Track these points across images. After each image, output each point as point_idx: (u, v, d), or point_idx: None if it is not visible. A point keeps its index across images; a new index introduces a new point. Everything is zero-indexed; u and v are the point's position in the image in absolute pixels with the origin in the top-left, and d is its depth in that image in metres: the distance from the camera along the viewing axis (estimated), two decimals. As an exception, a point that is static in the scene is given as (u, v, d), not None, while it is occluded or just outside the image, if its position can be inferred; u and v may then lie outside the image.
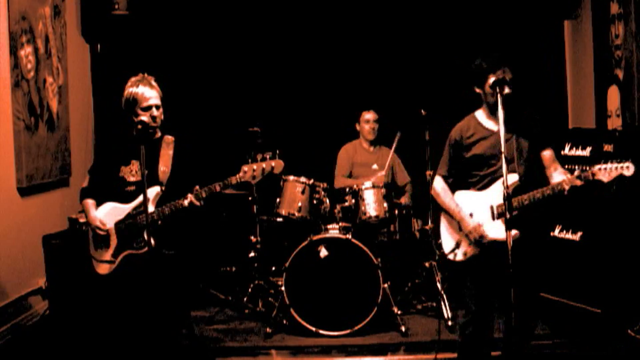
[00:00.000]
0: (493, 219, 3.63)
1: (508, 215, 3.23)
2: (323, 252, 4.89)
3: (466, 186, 3.79)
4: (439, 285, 5.16)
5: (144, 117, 3.65)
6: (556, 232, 4.90)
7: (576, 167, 4.74)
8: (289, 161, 3.76)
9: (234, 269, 5.99)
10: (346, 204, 5.25)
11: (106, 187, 3.83)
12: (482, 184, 3.69)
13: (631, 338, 4.32)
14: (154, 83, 3.77)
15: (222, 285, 5.78)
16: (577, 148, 4.88)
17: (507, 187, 3.27)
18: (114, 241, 3.78)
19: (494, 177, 3.61)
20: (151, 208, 3.69)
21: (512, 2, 6.28)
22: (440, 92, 6.16)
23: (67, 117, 5.73)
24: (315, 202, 5.21)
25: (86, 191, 3.90)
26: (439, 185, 3.83)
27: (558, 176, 3.58)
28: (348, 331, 4.78)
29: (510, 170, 3.57)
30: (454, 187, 3.84)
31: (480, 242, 3.64)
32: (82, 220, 4.78)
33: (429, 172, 5.29)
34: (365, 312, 4.77)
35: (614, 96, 5.39)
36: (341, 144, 5.95)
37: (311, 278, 4.86)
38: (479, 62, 3.63)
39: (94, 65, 6.35)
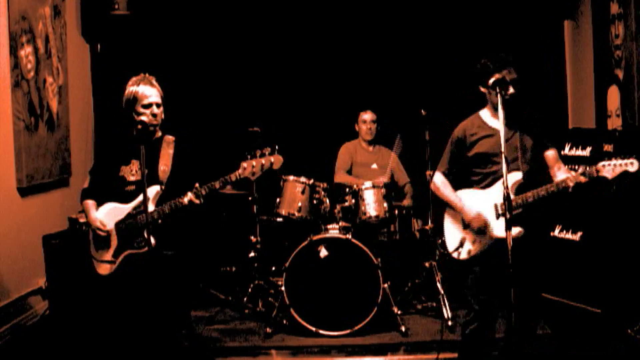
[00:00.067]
0: (497, 217, 3.63)
1: (508, 215, 3.25)
2: (323, 252, 4.89)
3: (470, 185, 3.81)
4: (439, 285, 5.16)
5: (144, 117, 3.65)
6: (556, 232, 4.90)
7: (576, 167, 4.75)
8: (289, 161, 3.76)
9: (234, 269, 5.99)
10: (346, 204, 5.25)
11: (107, 187, 3.83)
12: (486, 183, 3.71)
13: (631, 338, 4.32)
14: (154, 82, 3.79)
15: (222, 285, 5.78)
16: (577, 148, 4.88)
17: (507, 187, 3.29)
18: (114, 241, 3.78)
19: (498, 175, 3.61)
20: (151, 207, 3.69)
21: (512, 2, 6.28)
22: (440, 92, 6.17)
23: (67, 117, 5.73)
24: (315, 202, 5.21)
25: (87, 192, 3.90)
26: (438, 179, 3.87)
27: (562, 174, 3.59)
28: (348, 331, 4.78)
29: (514, 169, 3.61)
30: (457, 186, 3.86)
31: (484, 241, 3.65)
32: (82, 220, 4.77)
33: (429, 172, 5.28)
34: (365, 312, 4.77)
35: (614, 96, 5.39)
36: (341, 143, 5.95)
37: (311, 278, 4.86)
38: (484, 62, 3.64)
39: (94, 65, 6.35)
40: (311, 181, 5.22)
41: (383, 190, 5.17)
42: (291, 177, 5.20)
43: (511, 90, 3.57)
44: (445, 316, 4.94)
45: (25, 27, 5.02)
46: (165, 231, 3.73)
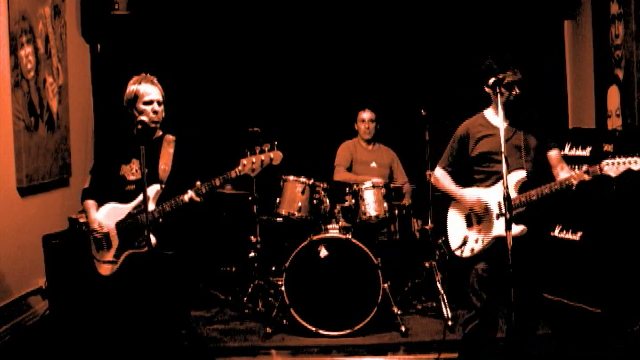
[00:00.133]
0: (497, 217, 3.65)
1: (508, 215, 3.25)
2: (323, 252, 4.89)
3: (473, 183, 3.83)
4: (439, 285, 5.16)
5: (145, 117, 3.65)
6: (556, 232, 4.90)
7: (577, 167, 4.74)
8: (289, 161, 3.76)
9: (234, 269, 5.99)
10: (346, 204, 5.25)
11: (107, 187, 3.84)
12: (490, 181, 3.73)
13: (635, 335, 4.31)
14: (156, 81, 3.81)
15: (222, 285, 5.77)
16: (577, 148, 4.88)
17: (507, 187, 3.30)
18: (115, 241, 3.78)
19: (500, 174, 3.61)
20: (152, 206, 3.69)
21: (512, 3, 6.28)
22: (440, 92, 6.17)
23: (67, 117, 5.73)
24: (315, 202, 5.21)
25: (87, 192, 3.90)
26: (438, 172, 3.94)
27: (566, 173, 3.61)
28: (348, 331, 4.78)
29: (517, 167, 3.63)
30: (461, 185, 3.89)
31: (487, 239, 3.68)
32: (82, 220, 4.77)
33: (429, 172, 5.29)
34: (365, 312, 4.77)
35: (614, 96, 5.39)
36: (340, 143, 5.95)
37: (311, 278, 4.86)
38: (489, 62, 3.65)
39: (94, 65, 6.35)
40: (311, 181, 5.22)
41: (383, 190, 5.17)
42: (291, 177, 5.20)
43: (516, 91, 3.61)
44: (445, 316, 4.94)
45: (25, 27, 5.02)
46: (166, 231, 3.73)
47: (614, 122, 5.38)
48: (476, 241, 3.73)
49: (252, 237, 5.51)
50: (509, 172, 3.57)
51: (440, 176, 3.93)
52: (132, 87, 3.75)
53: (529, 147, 3.69)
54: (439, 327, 4.90)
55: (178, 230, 3.82)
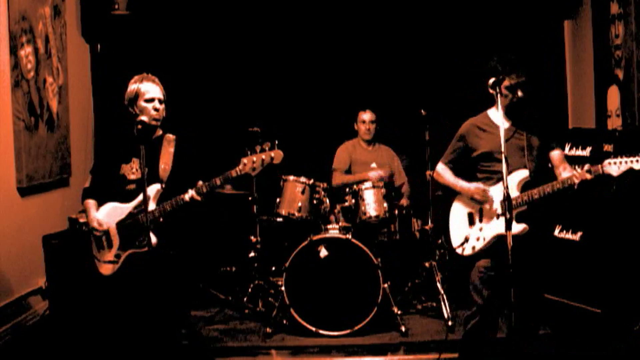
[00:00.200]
0: (497, 217, 3.66)
1: (508, 215, 3.27)
2: (323, 252, 4.89)
3: (476, 182, 3.85)
4: (439, 285, 5.16)
5: (145, 117, 3.65)
6: (556, 232, 4.90)
7: (576, 167, 4.74)
8: (289, 161, 3.75)
9: (234, 269, 5.99)
10: (346, 204, 5.26)
11: (107, 186, 3.84)
12: (492, 181, 3.76)
13: (635, 335, 4.31)
14: (157, 81, 3.82)
15: (222, 285, 5.77)
16: (577, 148, 4.88)
17: (507, 187, 3.31)
18: (116, 241, 3.78)
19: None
20: (152, 205, 3.70)
21: (512, 3, 6.28)
22: (440, 92, 6.17)
23: (67, 117, 5.73)
24: (315, 202, 5.21)
25: (88, 191, 3.90)
26: (439, 167, 4.00)
27: (568, 173, 3.62)
28: (348, 331, 4.78)
29: (520, 166, 3.63)
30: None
31: (488, 237, 3.69)
32: (82, 220, 4.77)
33: (429, 172, 5.29)
34: (365, 312, 4.77)
35: (614, 96, 5.39)
36: (341, 143, 5.94)
37: (311, 278, 4.86)
38: (494, 64, 3.67)
39: (94, 65, 6.35)
40: (311, 181, 5.22)
41: (383, 190, 5.17)
42: (291, 177, 5.20)
43: (520, 93, 3.65)
44: (445, 316, 4.94)
45: (25, 27, 5.02)
46: (167, 230, 3.73)
47: (614, 122, 5.38)
48: (477, 239, 3.75)
49: (252, 237, 5.51)
50: (511, 171, 3.61)
51: (442, 170, 3.99)
52: (133, 86, 3.76)
53: (531, 147, 3.71)
54: (439, 327, 4.91)
55: (179, 229, 3.82)
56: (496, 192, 3.71)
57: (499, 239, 3.61)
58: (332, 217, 5.38)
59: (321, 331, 4.80)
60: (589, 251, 4.63)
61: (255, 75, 6.41)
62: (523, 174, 3.67)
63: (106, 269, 3.80)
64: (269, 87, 6.41)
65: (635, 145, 4.49)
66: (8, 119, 4.87)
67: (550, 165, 3.79)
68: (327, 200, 5.29)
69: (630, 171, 3.38)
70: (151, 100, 3.73)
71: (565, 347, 4.45)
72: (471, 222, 3.81)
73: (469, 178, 3.90)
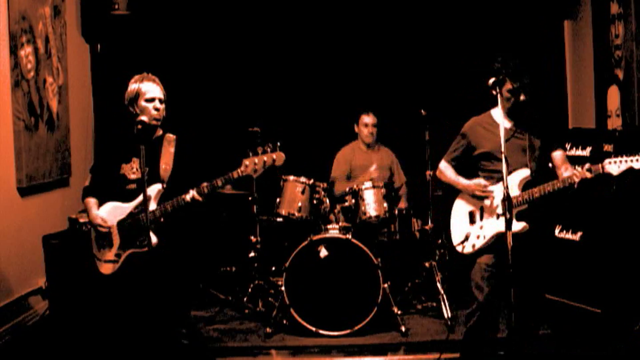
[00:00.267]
0: (497, 217, 3.68)
1: (508, 215, 3.28)
2: (323, 252, 4.89)
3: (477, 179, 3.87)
4: (439, 285, 5.16)
5: (145, 117, 3.65)
6: (556, 232, 4.90)
7: (576, 167, 4.74)
8: (289, 161, 3.75)
9: (234, 269, 5.99)
10: (346, 204, 5.25)
11: (108, 186, 3.84)
12: (493, 180, 3.77)
13: (635, 335, 4.31)
14: (157, 81, 3.82)
15: (222, 285, 5.78)
16: (577, 148, 4.88)
17: (507, 187, 3.32)
18: (116, 240, 3.78)
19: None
20: (153, 205, 3.70)
21: (512, 3, 6.28)
22: (440, 92, 6.17)
23: (67, 117, 5.73)
24: (315, 202, 5.21)
25: (88, 190, 3.90)
26: (442, 165, 4.04)
27: (569, 172, 3.63)
28: (348, 331, 4.78)
29: (522, 166, 3.66)
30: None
31: (488, 236, 3.71)
32: (82, 220, 4.79)
33: (429, 172, 5.29)
34: (365, 312, 4.77)
35: (614, 96, 5.39)
36: (341, 143, 5.93)
37: (311, 278, 4.86)
38: (497, 67, 3.68)
39: (94, 65, 6.35)
40: (311, 181, 5.22)
41: (383, 190, 5.17)
42: (291, 177, 5.20)
43: (522, 97, 3.68)
44: (445, 316, 4.94)
45: (25, 27, 5.02)
46: (167, 231, 3.73)
47: (614, 122, 5.38)
48: (477, 237, 3.77)
49: (252, 237, 5.51)
50: (512, 171, 3.63)
51: (444, 168, 4.02)
52: (133, 86, 3.76)
53: (533, 147, 3.74)
54: (439, 327, 4.91)
55: (179, 229, 3.82)
56: (497, 191, 3.72)
57: (499, 237, 3.63)
58: (332, 217, 5.37)
59: (321, 331, 4.80)
60: (589, 251, 4.63)
61: (256, 75, 6.41)
62: (524, 173, 3.70)
63: (106, 269, 3.80)
64: (269, 87, 6.41)
65: (635, 145, 4.50)
66: (8, 119, 4.87)
67: (551, 165, 3.80)
68: (327, 200, 5.29)
69: (630, 171, 3.39)
70: (151, 100, 3.73)
71: (565, 347, 4.45)
72: (472, 221, 3.83)
73: (471, 177, 3.91)
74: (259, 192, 5.49)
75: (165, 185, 3.76)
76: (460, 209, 3.93)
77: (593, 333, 4.48)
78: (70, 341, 4.52)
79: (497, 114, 3.81)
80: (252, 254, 5.49)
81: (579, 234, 4.74)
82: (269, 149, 3.66)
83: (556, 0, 6.30)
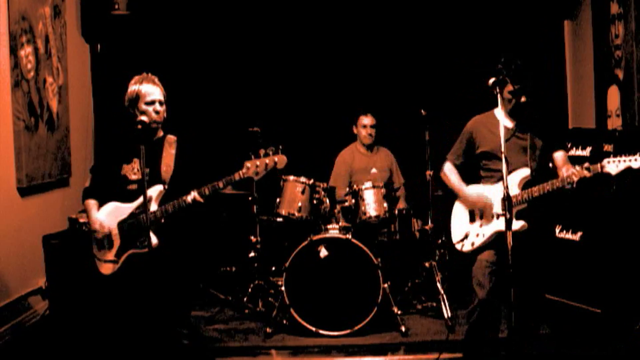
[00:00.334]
0: (497, 217, 3.69)
1: (508, 215, 3.28)
2: (323, 252, 4.89)
3: (479, 180, 3.90)
4: (439, 285, 5.16)
5: (145, 117, 3.65)
6: (556, 232, 4.90)
7: (575, 166, 4.75)
8: (289, 161, 3.76)
9: (234, 269, 5.99)
10: (346, 204, 5.25)
11: (108, 186, 3.84)
12: (494, 179, 3.80)
13: (636, 334, 4.31)
14: (157, 81, 3.81)
15: (222, 285, 5.78)
16: (577, 148, 4.88)
17: (507, 187, 3.33)
18: (117, 241, 3.78)
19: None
20: (154, 206, 3.70)
21: (512, 2, 6.28)
22: (440, 92, 6.17)
23: (67, 117, 5.73)
24: (315, 202, 5.20)
25: (88, 191, 3.90)
26: (446, 167, 4.04)
27: (568, 172, 3.64)
28: (348, 331, 4.78)
29: (522, 165, 3.66)
30: (467, 183, 3.97)
31: (487, 235, 3.74)
32: (82, 220, 4.78)
33: (429, 172, 5.29)
34: (365, 312, 4.77)
35: (614, 96, 5.39)
36: (341, 143, 5.93)
37: (311, 278, 4.86)
38: (499, 68, 3.69)
39: (94, 65, 6.35)
40: (311, 181, 5.21)
41: (383, 190, 5.17)
42: (291, 177, 5.20)
43: (523, 98, 3.71)
44: (445, 316, 4.94)
45: (25, 27, 5.02)
46: (167, 231, 3.73)
47: (614, 122, 5.38)
48: (477, 236, 3.79)
49: (252, 237, 5.51)
50: (512, 170, 3.64)
51: (448, 172, 4.02)
52: (133, 87, 3.75)
53: (534, 147, 3.76)
54: (439, 327, 4.91)
55: (179, 230, 3.82)
56: (497, 191, 3.72)
57: (499, 235, 3.64)
58: (333, 217, 5.37)
59: (321, 331, 4.80)
60: (589, 251, 4.63)
61: (256, 75, 6.41)
62: (524, 173, 3.71)
63: (106, 269, 3.80)
64: (269, 87, 6.41)
65: (635, 145, 4.50)
66: (8, 119, 4.87)
67: (552, 165, 3.81)
68: (327, 200, 5.28)
69: (630, 170, 3.40)
70: (151, 103, 3.73)
71: (565, 347, 4.44)
72: (472, 219, 3.85)
73: (472, 176, 3.92)
74: (259, 192, 5.48)
75: (166, 187, 3.76)
76: (461, 207, 3.97)
77: (593, 333, 4.48)
78: (70, 341, 4.52)
79: (499, 113, 3.82)
80: (252, 254, 5.49)
81: (579, 234, 4.74)
82: (270, 152, 3.67)
83: (556, 0, 6.30)
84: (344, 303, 4.81)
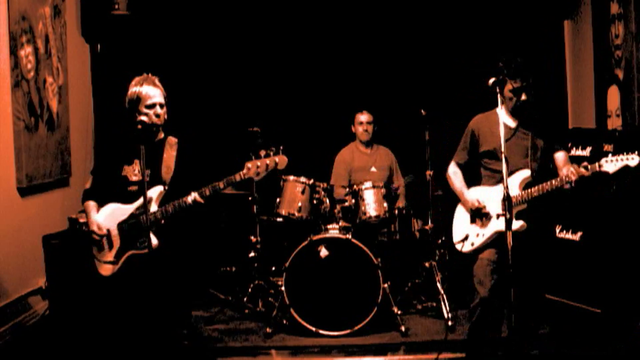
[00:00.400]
0: (498, 217, 3.70)
1: (508, 216, 3.29)
2: (323, 252, 4.89)
3: (480, 181, 3.91)
4: (439, 285, 5.16)
5: (144, 117, 3.65)
6: (556, 232, 4.90)
7: (573, 165, 4.75)
8: (289, 161, 3.76)
9: (234, 269, 5.99)
10: (346, 204, 5.25)
11: (109, 187, 3.83)
12: (495, 179, 3.80)
13: (635, 334, 4.31)
14: (157, 82, 3.80)
15: (222, 285, 5.78)
16: (577, 148, 4.88)
17: (507, 187, 3.34)
18: (117, 242, 3.78)
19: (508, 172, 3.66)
20: (155, 207, 3.70)
21: (512, 2, 6.28)
22: (440, 92, 6.17)
23: (67, 117, 5.73)
24: (315, 202, 5.20)
25: (88, 193, 3.89)
26: (451, 169, 4.04)
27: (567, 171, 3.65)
28: (348, 331, 4.78)
29: (522, 167, 3.68)
30: (469, 183, 3.99)
31: (487, 235, 3.74)
32: (82, 220, 4.77)
33: (429, 172, 5.29)
34: (365, 312, 4.77)
35: (614, 96, 5.39)
36: (341, 143, 5.94)
37: (311, 278, 4.86)
38: (500, 67, 3.69)
39: (94, 65, 6.35)
40: (311, 181, 5.21)
41: (383, 190, 5.16)
42: (291, 177, 5.20)
43: (523, 97, 3.70)
44: (445, 316, 4.94)
45: (25, 27, 5.02)
46: (167, 232, 3.73)
47: (614, 122, 5.38)
48: (477, 236, 3.80)
49: (252, 237, 5.51)
50: (513, 171, 3.65)
51: (452, 174, 4.03)
52: (134, 89, 3.74)
53: (536, 147, 3.76)
54: (439, 327, 4.91)
55: (179, 231, 3.82)
56: (497, 193, 3.72)
57: (500, 235, 3.65)
58: (333, 217, 5.36)
59: (321, 331, 4.80)
60: (589, 251, 4.63)
61: (255, 75, 6.41)
62: (524, 174, 3.71)
63: (106, 270, 3.79)
64: (269, 87, 6.41)
65: (635, 145, 4.50)
66: (8, 119, 4.87)
67: (553, 166, 3.81)
68: (327, 200, 5.28)
69: (628, 170, 3.41)
70: (152, 106, 3.72)
71: (565, 347, 4.44)
72: (473, 220, 3.85)
73: (473, 175, 3.93)
74: (259, 192, 5.48)
75: (166, 188, 3.76)
76: (463, 208, 3.96)
77: (593, 333, 4.48)
78: (70, 341, 4.52)
79: (501, 113, 3.82)
80: (252, 254, 5.49)
81: (579, 234, 4.74)
82: (271, 152, 3.67)
83: (556, 0, 6.30)
84: (344, 303, 4.81)
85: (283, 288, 4.87)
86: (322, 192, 5.26)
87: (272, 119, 5.95)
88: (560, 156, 3.79)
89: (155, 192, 3.72)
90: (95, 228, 3.77)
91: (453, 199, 4.10)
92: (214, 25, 6.41)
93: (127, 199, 3.78)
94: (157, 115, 3.74)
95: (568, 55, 6.40)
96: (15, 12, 4.88)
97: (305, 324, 4.82)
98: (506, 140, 3.53)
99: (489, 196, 3.79)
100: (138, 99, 3.72)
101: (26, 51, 5.04)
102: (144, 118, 3.62)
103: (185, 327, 3.96)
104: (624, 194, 4.42)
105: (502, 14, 6.27)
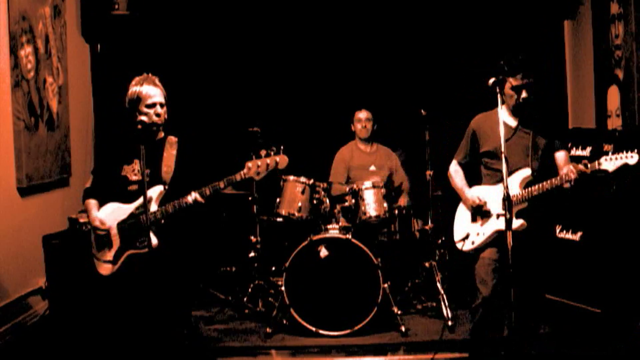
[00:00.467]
0: (498, 217, 3.71)
1: (508, 215, 3.29)
2: (323, 252, 4.89)
3: (481, 181, 3.92)
4: (439, 285, 5.16)
5: (145, 117, 3.65)
6: (556, 232, 4.90)
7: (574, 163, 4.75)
8: (289, 161, 3.76)
9: (234, 269, 5.99)
10: (346, 204, 5.25)
11: (109, 187, 3.83)
12: (496, 179, 3.80)
13: (635, 334, 4.31)
14: (157, 82, 3.80)
15: (222, 285, 5.78)
16: (577, 148, 4.88)
17: (507, 187, 3.34)
18: (116, 241, 3.78)
19: (508, 171, 3.66)
20: (154, 207, 3.70)
21: (512, 3, 6.28)
22: (440, 92, 6.17)
23: (67, 117, 5.73)
24: (315, 202, 5.21)
25: (89, 191, 3.89)
26: (452, 168, 4.06)
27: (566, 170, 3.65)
28: (348, 331, 4.78)
29: (523, 166, 3.68)
30: (470, 183, 3.99)
31: (488, 234, 3.75)
32: (82, 220, 4.78)
33: (429, 172, 5.29)
34: (365, 312, 4.77)
35: (614, 96, 5.39)
36: (341, 143, 5.94)
37: (311, 278, 4.86)
38: (501, 65, 3.71)
39: (94, 65, 6.35)
40: (311, 181, 5.22)
41: (383, 190, 5.17)
42: (291, 177, 5.20)
43: (524, 94, 3.70)
44: (445, 316, 4.94)
45: (25, 27, 5.02)
46: (167, 232, 3.73)
47: (614, 122, 5.38)
48: (477, 235, 3.81)
49: (252, 237, 5.51)
50: (513, 171, 3.65)
51: (453, 172, 4.04)
52: (134, 89, 3.74)
53: (537, 146, 3.77)
54: (439, 327, 4.90)
55: (179, 231, 3.82)
56: (497, 192, 3.73)
57: (499, 235, 3.66)
58: (333, 217, 5.36)
59: (321, 331, 4.80)
60: (589, 251, 4.63)
61: (255, 75, 6.41)
62: (525, 173, 3.72)
63: (105, 269, 3.79)
64: (269, 87, 6.41)
65: (635, 145, 4.50)
66: (8, 119, 4.87)
67: (553, 165, 3.81)
68: (327, 200, 5.28)
69: (627, 168, 3.42)
70: (152, 105, 3.72)
71: (565, 347, 4.44)
72: (473, 219, 3.86)
73: (474, 175, 3.93)
74: (259, 192, 5.49)
75: (166, 187, 3.76)
76: (464, 206, 3.96)
77: (593, 333, 4.48)
78: (70, 341, 4.52)
79: (502, 112, 3.82)
80: (252, 254, 5.49)
81: (579, 234, 4.74)
82: (272, 152, 3.67)
83: (556, 0, 6.30)
84: (344, 303, 4.81)
85: (283, 288, 4.87)
86: (322, 192, 5.26)
87: (272, 118, 5.95)
88: (560, 155, 3.79)
89: (155, 191, 3.72)
90: (98, 224, 3.77)
91: (453, 199, 4.10)
92: (214, 25, 6.41)
93: (127, 199, 3.78)
94: (158, 115, 3.74)
95: (568, 55, 6.40)
96: (15, 12, 4.89)
97: (305, 324, 4.82)
98: (507, 140, 3.53)
99: (489, 195, 3.81)
100: (138, 99, 3.72)
101: (26, 51, 5.04)
102: (144, 118, 3.62)
103: (185, 327, 3.96)
104: (624, 194, 4.42)
105: (502, 14, 6.27)
